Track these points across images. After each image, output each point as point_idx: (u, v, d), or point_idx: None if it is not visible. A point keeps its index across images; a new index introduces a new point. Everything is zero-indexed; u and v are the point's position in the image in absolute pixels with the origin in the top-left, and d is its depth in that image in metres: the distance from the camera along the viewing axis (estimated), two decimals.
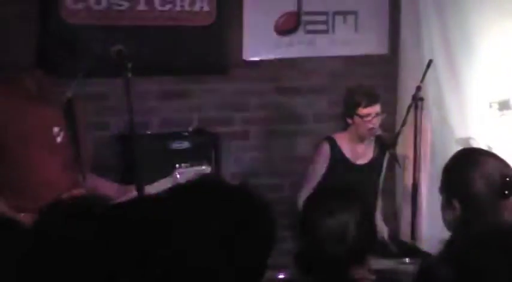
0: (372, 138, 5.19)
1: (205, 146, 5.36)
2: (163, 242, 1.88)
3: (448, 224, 3.11)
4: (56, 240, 1.95)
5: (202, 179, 2.09)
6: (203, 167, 4.57)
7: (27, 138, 4.06)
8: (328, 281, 2.76)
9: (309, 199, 2.94)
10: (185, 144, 5.24)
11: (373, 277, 2.86)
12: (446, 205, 3.10)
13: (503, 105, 5.67)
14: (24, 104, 4.09)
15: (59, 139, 4.15)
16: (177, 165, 4.39)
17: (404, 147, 5.49)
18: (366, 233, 2.81)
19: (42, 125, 4.12)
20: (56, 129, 4.14)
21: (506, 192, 3.01)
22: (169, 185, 3.96)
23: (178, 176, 4.37)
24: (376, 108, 5.08)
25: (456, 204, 3.04)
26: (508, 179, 3.03)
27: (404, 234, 5.52)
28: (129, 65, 4.08)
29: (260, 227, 1.98)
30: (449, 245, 2.97)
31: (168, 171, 4.40)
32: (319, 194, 2.97)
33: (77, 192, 4.09)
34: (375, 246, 2.87)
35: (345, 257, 2.75)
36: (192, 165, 4.50)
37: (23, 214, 3.63)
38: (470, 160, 3.12)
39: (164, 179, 4.27)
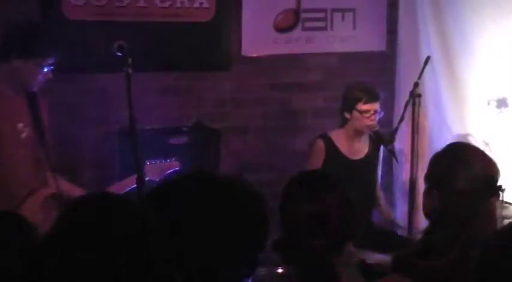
0: (368, 133, 5.21)
1: (204, 141, 5.38)
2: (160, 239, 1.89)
3: (426, 213, 3.19)
4: None
5: (194, 173, 2.06)
6: (173, 162, 4.67)
7: None
8: (308, 269, 2.70)
9: (289, 185, 2.84)
10: (184, 139, 5.25)
11: (354, 262, 2.84)
12: (427, 194, 3.16)
13: (501, 103, 5.67)
14: None
15: (23, 135, 4.16)
16: (147, 161, 4.53)
17: (401, 143, 5.52)
18: (347, 220, 2.73)
19: (8, 120, 4.12)
20: (20, 125, 4.14)
21: (488, 192, 3.07)
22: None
23: (147, 172, 4.46)
24: (376, 105, 5.11)
25: (436, 195, 3.09)
26: (491, 179, 3.08)
27: (402, 227, 5.52)
28: (130, 61, 4.12)
29: (253, 212, 2.02)
30: (426, 234, 3.04)
31: None
32: (299, 179, 2.84)
33: (47, 191, 4.18)
34: (355, 236, 2.79)
35: (325, 245, 2.67)
36: (161, 161, 4.62)
37: None
38: (458, 155, 3.16)
39: (132, 176, 4.28)
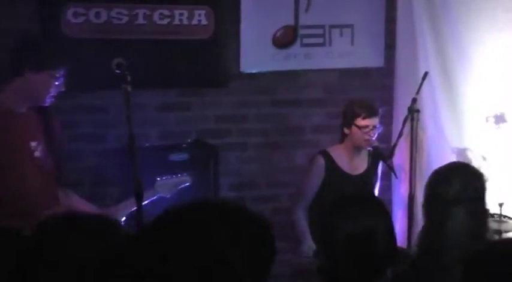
0: (367, 149, 5.20)
1: (204, 157, 5.37)
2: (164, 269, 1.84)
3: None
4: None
5: (199, 201, 1.97)
6: (184, 177, 4.70)
7: (9, 152, 4.07)
8: None
9: (331, 206, 2.80)
10: (184, 156, 5.25)
11: None
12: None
13: (499, 119, 5.71)
14: (5, 119, 4.10)
15: (37, 154, 4.17)
16: (158, 178, 4.58)
17: (400, 158, 5.51)
18: (391, 244, 2.68)
19: (20, 140, 4.13)
20: (33, 144, 4.16)
21: (459, 201, 3.14)
22: (150, 197, 4.30)
23: (158, 188, 4.51)
24: (375, 121, 5.11)
25: (424, 210, 3.23)
26: (465, 190, 3.16)
27: (400, 244, 5.51)
28: (129, 78, 4.12)
29: (260, 244, 1.95)
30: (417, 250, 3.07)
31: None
32: (342, 200, 2.81)
33: (58, 209, 4.10)
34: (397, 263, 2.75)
35: (370, 267, 2.62)
36: (171, 177, 4.64)
37: None
38: (441, 172, 3.31)
39: (144, 192, 4.27)
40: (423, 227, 3.33)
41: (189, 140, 5.56)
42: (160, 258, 1.80)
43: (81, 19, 5.27)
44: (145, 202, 4.29)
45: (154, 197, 4.48)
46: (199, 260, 1.80)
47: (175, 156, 5.21)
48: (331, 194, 4.93)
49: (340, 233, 2.64)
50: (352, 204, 2.76)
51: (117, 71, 4.17)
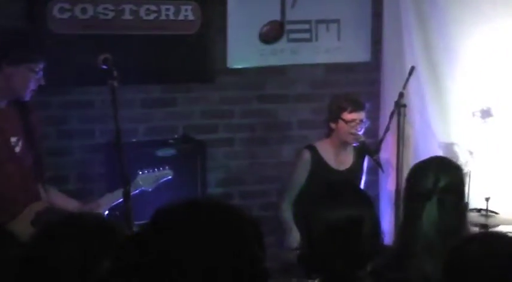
0: (353, 144, 5.21)
1: (191, 153, 5.35)
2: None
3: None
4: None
5: (187, 202, 1.95)
6: (165, 170, 4.69)
7: None
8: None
9: (319, 194, 2.80)
10: (171, 152, 5.23)
11: None
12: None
13: (486, 113, 5.71)
14: None
15: (17, 149, 4.17)
16: (139, 171, 4.58)
17: (387, 153, 5.51)
18: (376, 237, 2.67)
19: (1, 135, 4.12)
20: (13, 139, 4.15)
21: (431, 194, 3.13)
22: (132, 191, 4.22)
23: (140, 181, 4.54)
24: (361, 115, 5.11)
25: (402, 204, 3.24)
26: (437, 183, 3.14)
27: (387, 239, 5.52)
28: (115, 73, 4.11)
29: (251, 243, 1.92)
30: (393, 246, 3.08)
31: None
32: (327, 189, 2.79)
33: (38, 206, 4.19)
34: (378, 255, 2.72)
35: (349, 263, 2.60)
36: (153, 170, 4.66)
37: None
38: (419, 167, 3.31)
39: (118, 190, 4.27)
40: (400, 222, 3.34)
41: (176, 136, 5.55)
42: (163, 260, 1.80)
43: (67, 15, 5.24)
44: (117, 202, 4.33)
45: (137, 191, 4.47)
46: (205, 261, 1.80)
47: (162, 152, 5.19)
48: (316, 188, 4.86)
49: (324, 222, 2.63)
50: (337, 194, 2.75)
51: (104, 67, 4.16)
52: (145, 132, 5.57)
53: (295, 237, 4.90)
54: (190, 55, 5.61)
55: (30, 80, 4.11)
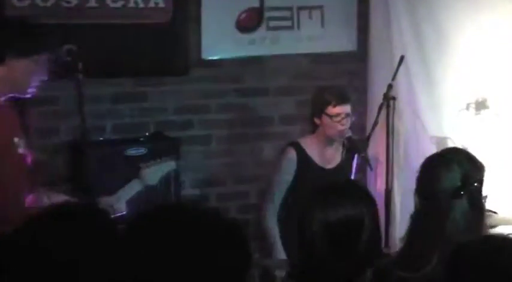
0: (341, 140, 5.19)
1: (164, 152, 5.12)
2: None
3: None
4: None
5: (165, 208, 2.02)
6: (169, 161, 4.62)
7: None
8: None
9: (313, 194, 2.76)
10: (142, 151, 5.21)
11: None
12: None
13: (480, 105, 5.72)
14: None
15: (20, 150, 4.13)
16: (141, 165, 4.48)
17: (375, 149, 5.51)
18: (375, 239, 2.65)
19: (4, 135, 4.07)
20: (16, 140, 4.11)
21: (461, 192, 3.06)
22: (139, 187, 4.30)
23: (146, 176, 4.45)
24: (347, 108, 5.07)
25: (416, 198, 3.11)
26: (468, 180, 3.09)
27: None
28: (80, 66, 4.13)
29: (234, 250, 1.97)
30: (403, 242, 3.06)
31: (125, 179, 4.47)
32: (324, 188, 2.77)
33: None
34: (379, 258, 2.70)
35: (350, 267, 2.59)
36: (155, 163, 4.55)
37: None
38: (441, 158, 3.20)
39: (132, 181, 4.32)
40: (417, 222, 3.22)
41: (147, 133, 5.54)
42: (146, 268, 1.87)
43: (26, 2, 5.19)
44: (132, 194, 4.30)
45: (141, 189, 4.42)
46: (188, 266, 1.87)
47: (132, 151, 5.18)
48: (303, 189, 4.90)
49: (320, 222, 2.61)
50: (334, 192, 2.72)
51: (68, 59, 4.15)
52: (113, 129, 5.54)
53: (281, 252, 4.99)
54: (161, 46, 5.60)
55: (33, 73, 4.06)
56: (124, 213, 4.18)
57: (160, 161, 4.57)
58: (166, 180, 4.78)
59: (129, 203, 4.31)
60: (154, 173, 4.49)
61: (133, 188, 4.29)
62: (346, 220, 2.61)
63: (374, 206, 2.74)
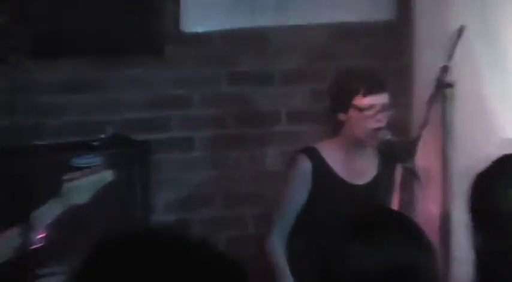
0: (375, 145, 4.98)
1: (126, 161, 5.26)
2: None
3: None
4: None
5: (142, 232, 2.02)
6: (102, 171, 4.51)
7: None
8: None
9: (346, 226, 2.67)
10: (95, 160, 5.04)
11: None
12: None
13: None
14: None
15: None
16: (64, 177, 4.34)
17: (426, 157, 5.28)
18: None
19: None
20: None
21: None
22: (59, 209, 4.28)
23: (69, 193, 4.35)
24: (382, 98, 4.92)
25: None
26: None
27: None
28: (17, 45, 4.39)
29: None
30: None
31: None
32: (362, 218, 2.68)
33: None
34: None
35: None
36: (84, 174, 4.43)
37: None
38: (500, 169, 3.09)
39: (51, 200, 4.23)
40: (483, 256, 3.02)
41: (103, 136, 5.36)
42: None
43: None
44: (49, 221, 4.23)
45: (63, 210, 4.30)
46: None
47: (82, 160, 5.03)
48: (322, 212, 4.85)
49: (353, 274, 2.55)
50: (371, 227, 2.64)
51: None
52: (58, 129, 5.45)
53: None
54: (127, 15, 5.56)
55: None
56: (41, 244, 4.16)
57: (90, 171, 4.44)
58: (109, 196, 4.65)
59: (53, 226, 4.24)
60: (80, 187, 4.36)
61: (51, 211, 4.20)
62: (390, 271, 2.57)
63: (430, 249, 2.66)
